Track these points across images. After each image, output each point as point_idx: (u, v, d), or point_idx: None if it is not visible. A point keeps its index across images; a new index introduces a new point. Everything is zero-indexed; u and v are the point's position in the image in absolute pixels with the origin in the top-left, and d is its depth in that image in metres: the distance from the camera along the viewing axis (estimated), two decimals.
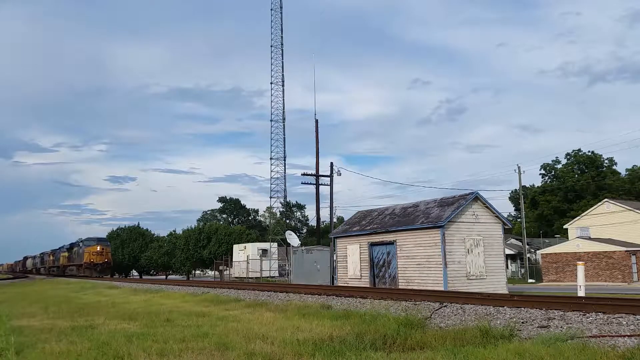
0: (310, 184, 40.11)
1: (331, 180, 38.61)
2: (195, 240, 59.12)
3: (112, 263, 56.13)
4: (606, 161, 66.56)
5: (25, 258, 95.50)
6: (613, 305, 9.40)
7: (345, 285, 24.33)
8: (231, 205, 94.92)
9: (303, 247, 37.41)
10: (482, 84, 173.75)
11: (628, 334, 7.20)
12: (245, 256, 45.93)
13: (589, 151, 66.98)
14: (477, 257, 22.06)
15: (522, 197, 51.08)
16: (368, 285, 23.73)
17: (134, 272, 73.82)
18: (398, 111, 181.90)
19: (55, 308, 16.07)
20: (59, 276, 58.81)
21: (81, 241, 53.72)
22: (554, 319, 8.77)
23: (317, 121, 42.41)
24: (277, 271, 45.14)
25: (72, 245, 58.25)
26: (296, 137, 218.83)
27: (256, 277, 42.49)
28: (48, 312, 14.79)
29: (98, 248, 51.86)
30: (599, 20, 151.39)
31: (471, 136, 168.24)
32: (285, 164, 45.26)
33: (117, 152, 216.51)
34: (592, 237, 42.52)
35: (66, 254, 59.97)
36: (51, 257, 69.62)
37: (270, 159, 45.12)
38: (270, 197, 45.21)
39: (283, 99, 46.04)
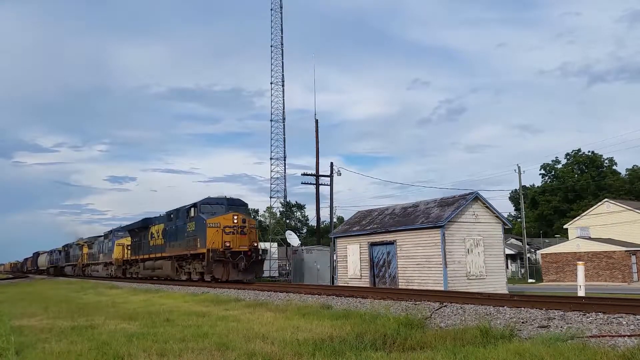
0: (310, 184, 40.06)
1: (331, 180, 38.57)
2: None
3: (260, 252, 25.68)
4: (606, 161, 66.69)
5: (37, 254, 77.64)
6: (613, 305, 9.41)
7: (345, 285, 24.33)
8: None
9: (303, 247, 37.38)
10: (482, 84, 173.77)
11: (628, 334, 7.20)
12: None
13: (589, 151, 67.17)
14: (477, 257, 22.07)
15: (522, 197, 51.08)
16: (368, 285, 23.73)
17: None
18: (398, 111, 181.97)
19: (55, 308, 16.06)
20: (111, 279, 37.40)
21: (194, 206, 26.08)
22: (554, 319, 8.76)
23: (317, 121, 42.34)
24: (277, 271, 45.12)
25: (147, 222, 32.73)
26: (296, 137, 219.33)
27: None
28: (48, 312, 14.78)
29: (235, 219, 24.67)
30: (599, 20, 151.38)
31: (471, 136, 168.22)
32: (285, 164, 45.20)
33: (117, 152, 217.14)
34: (592, 237, 42.58)
35: (128, 240, 35.93)
36: (85, 250, 49.26)
37: (270, 159, 45.07)
38: (270, 197, 45.15)
39: (283, 99, 45.99)
